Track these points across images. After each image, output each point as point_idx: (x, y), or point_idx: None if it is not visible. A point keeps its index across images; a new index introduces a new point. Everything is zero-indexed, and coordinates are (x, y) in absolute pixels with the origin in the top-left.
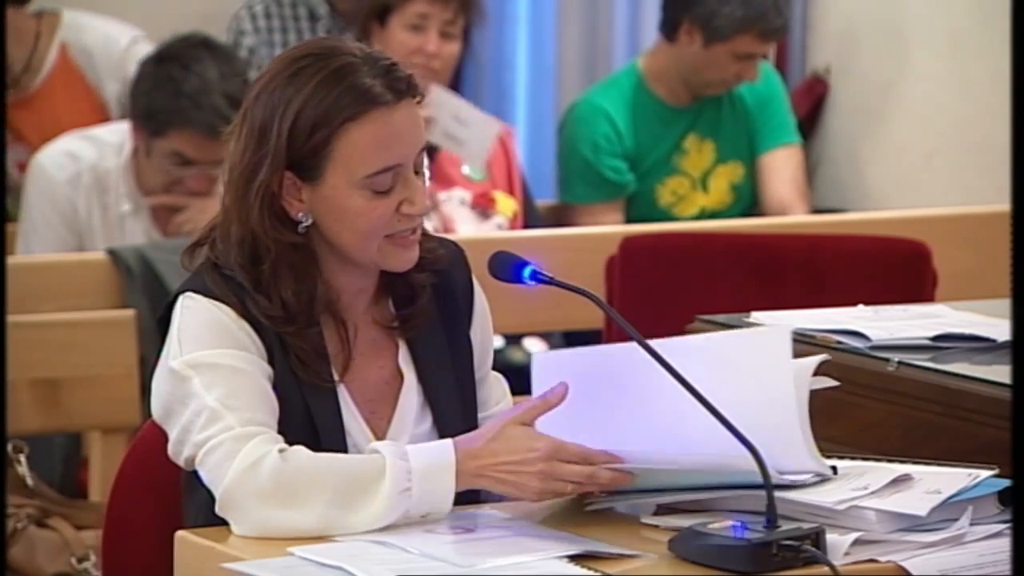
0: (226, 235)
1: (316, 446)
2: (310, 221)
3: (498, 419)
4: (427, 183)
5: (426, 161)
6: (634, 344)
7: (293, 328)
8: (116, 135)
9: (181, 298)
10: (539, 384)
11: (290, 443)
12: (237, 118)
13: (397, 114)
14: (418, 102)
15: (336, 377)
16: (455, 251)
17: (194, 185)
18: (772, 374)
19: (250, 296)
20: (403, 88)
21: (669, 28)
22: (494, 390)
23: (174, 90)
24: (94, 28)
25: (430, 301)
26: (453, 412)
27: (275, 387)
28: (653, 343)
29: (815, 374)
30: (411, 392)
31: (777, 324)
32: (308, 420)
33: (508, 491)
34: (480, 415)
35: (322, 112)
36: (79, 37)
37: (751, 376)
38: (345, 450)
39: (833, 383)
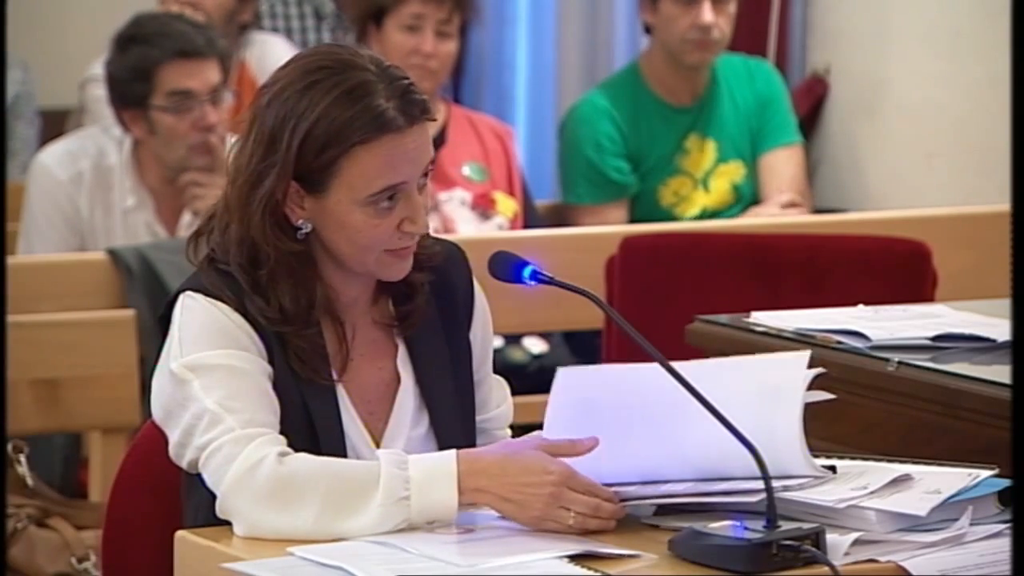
0: (225, 229)
1: (315, 446)
2: (310, 229)
3: (514, 442)
4: (428, 196)
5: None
6: (656, 365)
7: (291, 329)
8: (118, 130)
9: (182, 297)
10: (559, 398)
11: (290, 443)
12: (247, 119)
13: (407, 138)
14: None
15: (335, 376)
16: (454, 252)
17: (212, 118)
18: (782, 392)
19: (248, 296)
20: (416, 113)
21: (642, 15)
22: (494, 393)
23: (139, 49)
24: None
25: (429, 301)
26: (450, 414)
27: (275, 386)
28: (676, 364)
29: (810, 387)
30: (408, 394)
31: (782, 323)
32: (307, 420)
33: (508, 510)
34: (478, 417)
35: (334, 131)
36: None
37: (764, 394)
38: (344, 451)
39: (829, 396)
